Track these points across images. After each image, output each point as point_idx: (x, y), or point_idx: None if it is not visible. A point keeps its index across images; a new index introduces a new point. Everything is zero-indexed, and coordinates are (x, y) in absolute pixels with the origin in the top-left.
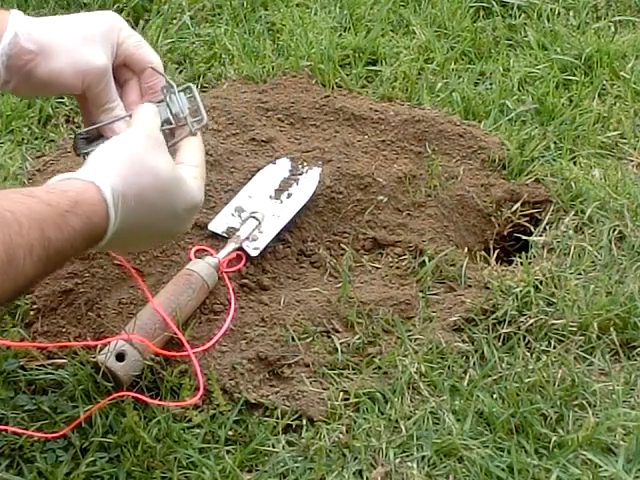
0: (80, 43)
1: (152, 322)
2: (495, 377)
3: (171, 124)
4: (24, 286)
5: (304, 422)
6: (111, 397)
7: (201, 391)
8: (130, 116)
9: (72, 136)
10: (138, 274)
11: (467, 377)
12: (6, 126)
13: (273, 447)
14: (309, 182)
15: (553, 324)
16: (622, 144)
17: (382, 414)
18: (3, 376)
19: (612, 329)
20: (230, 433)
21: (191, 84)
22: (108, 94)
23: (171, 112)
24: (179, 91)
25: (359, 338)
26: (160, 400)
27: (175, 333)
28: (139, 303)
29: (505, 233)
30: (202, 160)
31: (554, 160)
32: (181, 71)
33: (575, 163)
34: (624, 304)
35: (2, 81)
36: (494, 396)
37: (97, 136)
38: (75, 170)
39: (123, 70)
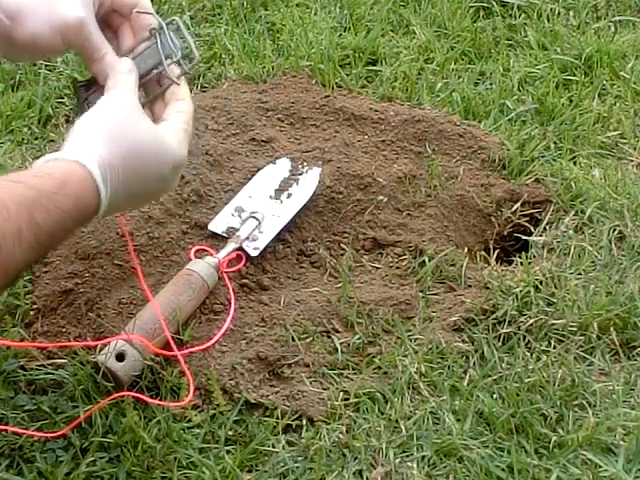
0: (51, 0)
1: (152, 322)
2: (495, 377)
3: (162, 66)
4: (15, 273)
5: (304, 422)
6: (111, 397)
7: (192, 390)
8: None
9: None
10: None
11: (467, 377)
12: (6, 126)
13: (273, 447)
14: (309, 182)
15: (553, 324)
16: (622, 144)
17: (382, 414)
18: (3, 376)
19: (612, 329)
20: (230, 433)
21: (176, 18)
22: (92, 45)
23: (163, 54)
24: (166, 24)
25: (359, 338)
26: (160, 400)
27: (174, 333)
28: (139, 303)
29: (505, 233)
30: (187, 111)
31: (554, 160)
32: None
33: (575, 163)
34: (624, 304)
35: None
36: (494, 396)
37: (95, 83)
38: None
39: (114, 16)
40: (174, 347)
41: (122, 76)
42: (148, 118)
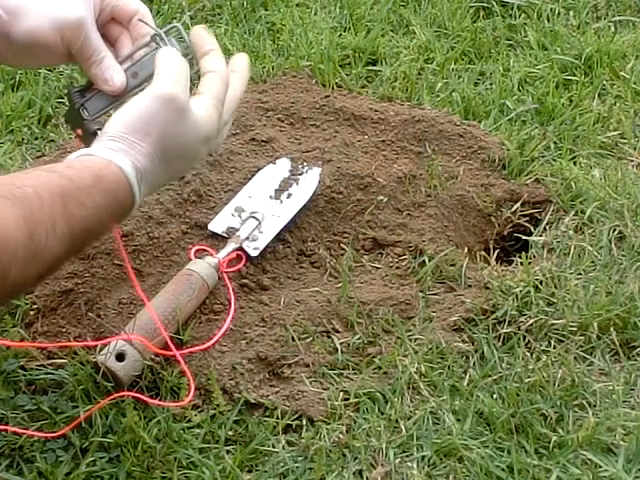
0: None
1: (152, 322)
2: (495, 377)
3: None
4: (49, 265)
5: (304, 422)
6: (111, 397)
7: (192, 390)
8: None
9: (67, 106)
10: (137, 275)
11: (467, 377)
12: (6, 126)
13: (273, 447)
14: (309, 182)
15: (553, 324)
16: (622, 144)
17: (382, 414)
18: (3, 376)
19: (612, 329)
20: (230, 433)
21: (177, 24)
22: (91, 46)
23: None
24: (165, 32)
25: (359, 338)
26: (160, 400)
27: (174, 333)
28: (139, 303)
29: (505, 233)
30: (218, 84)
31: (554, 160)
32: None
33: (575, 163)
34: (624, 304)
35: None
36: (494, 396)
37: (90, 87)
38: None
39: (112, 26)
40: (172, 347)
41: (165, 66)
42: (183, 102)
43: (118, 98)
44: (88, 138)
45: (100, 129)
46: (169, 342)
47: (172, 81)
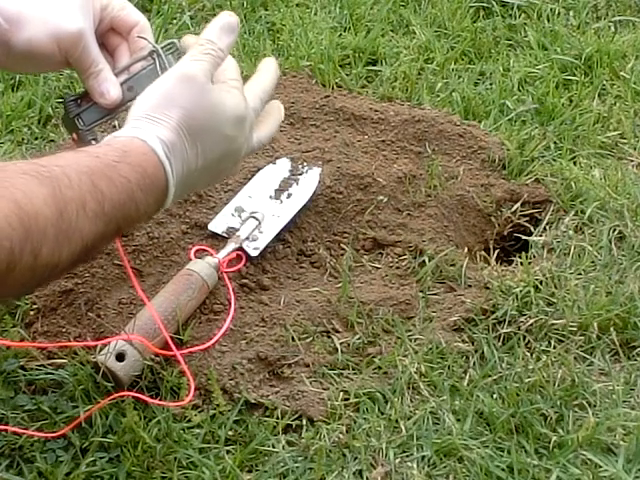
0: (52, 9)
1: (152, 322)
2: (495, 377)
3: None
4: (82, 247)
5: (304, 422)
6: (111, 397)
7: (192, 390)
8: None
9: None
10: (137, 275)
11: (467, 377)
12: (6, 126)
13: (273, 447)
14: (309, 182)
15: (553, 324)
16: (622, 144)
17: (382, 414)
18: (3, 376)
19: (612, 329)
20: (230, 433)
21: (175, 40)
22: (89, 57)
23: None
24: (163, 48)
25: (359, 338)
26: (160, 400)
27: (174, 333)
28: (139, 303)
29: (505, 233)
30: (236, 74)
31: (554, 160)
32: None
33: (575, 163)
34: (624, 304)
35: None
36: (494, 396)
37: (87, 98)
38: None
39: (111, 35)
40: (173, 347)
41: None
42: (206, 84)
43: (113, 111)
44: (84, 143)
45: (95, 139)
46: (170, 342)
47: (193, 60)
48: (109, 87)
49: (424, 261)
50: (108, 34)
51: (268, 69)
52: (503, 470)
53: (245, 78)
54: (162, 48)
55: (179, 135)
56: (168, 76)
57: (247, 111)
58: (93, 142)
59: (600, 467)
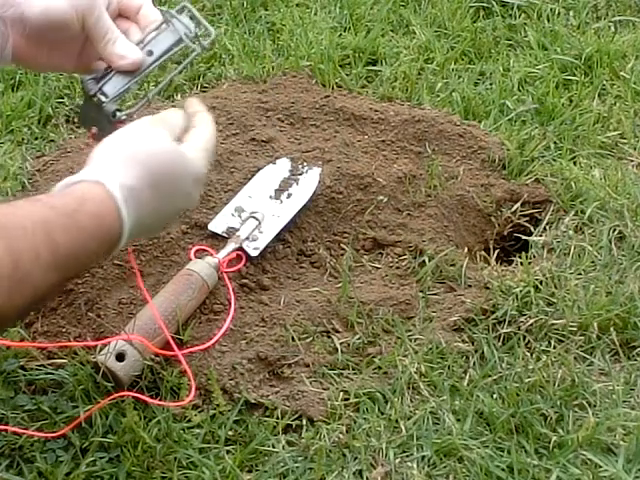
0: None
1: (152, 322)
2: (495, 377)
3: (183, 42)
4: (34, 296)
5: (304, 422)
6: (112, 397)
7: (193, 390)
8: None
9: (76, 108)
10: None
11: (467, 377)
12: (6, 126)
13: (273, 447)
14: (309, 182)
15: (553, 324)
16: (622, 144)
17: (382, 414)
18: (3, 376)
19: (612, 329)
20: (230, 433)
21: (186, 3)
22: (105, 24)
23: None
24: (176, 12)
25: (359, 338)
26: (160, 400)
27: (174, 333)
28: (139, 303)
29: (505, 233)
30: (208, 135)
31: (554, 160)
32: (181, 71)
33: (575, 163)
34: (624, 304)
35: (2, 42)
36: (494, 396)
37: (105, 74)
38: (76, 172)
39: (120, 21)
40: (175, 347)
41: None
42: (168, 137)
43: (136, 75)
44: (105, 130)
45: (120, 110)
46: (171, 341)
47: (157, 117)
48: (129, 49)
49: (424, 261)
50: (116, 20)
51: (206, 122)
52: (503, 470)
53: (245, 77)
54: (175, 12)
55: (140, 187)
56: (132, 125)
57: (205, 175)
58: (118, 113)
59: (600, 467)
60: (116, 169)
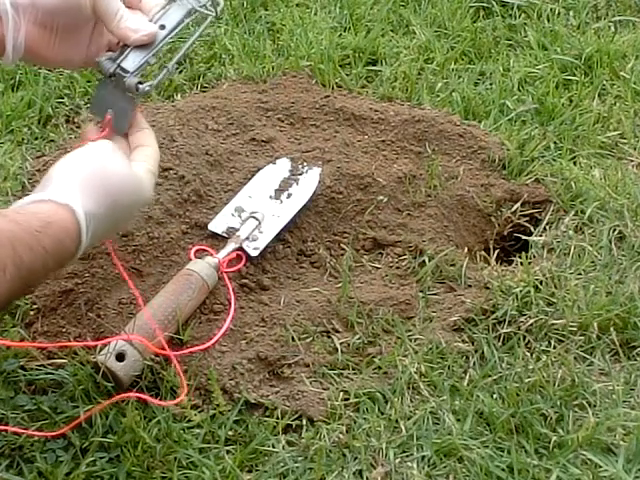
0: None
1: (152, 322)
2: (495, 377)
3: (190, 16)
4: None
5: (304, 422)
6: (115, 398)
7: (185, 390)
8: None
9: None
10: (137, 275)
11: (467, 377)
12: (6, 126)
13: (273, 447)
14: (309, 182)
15: (553, 324)
16: (622, 144)
17: (382, 414)
18: (3, 376)
19: (612, 329)
20: (230, 433)
21: None
22: (117, 2)
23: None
24: None
25: (359, 338)
26: (160, 400)
27: (174, 333)
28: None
29: (505, 233)
30: (153, 156)
31: (554, 160)
32: (181, 71)
33: (575, 163)
34: (624, 304)
35: (15, 31)
36: (494, 396)
37: (120, 52)
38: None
39: None
40: (166, 347)
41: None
42: (126, 161)
43: (152, 49)
44: (124, 112)
45: (141, 82)
46: (163, 342)
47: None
48: (142, 22)
49: (424, 261)
50: None
51: (152, 141)
52: (503, 470)
53: (245, 77)
54: None
55: (102, 213)
56: (91, 147)
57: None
58: (140, 86)
59: (600, 467)
60: (81, 193)
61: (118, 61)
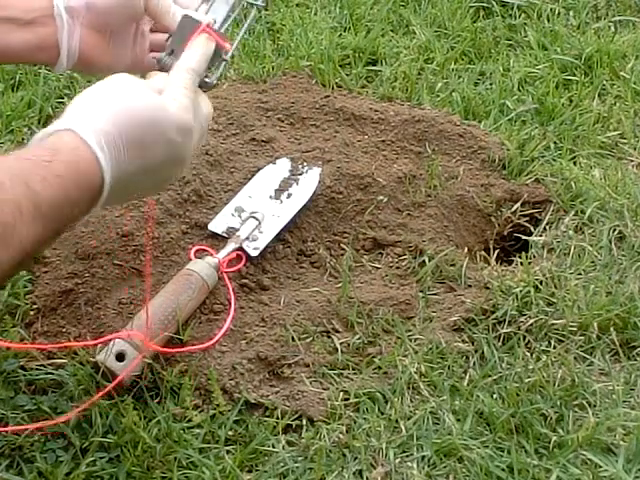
0: None
1: (152, 322)
2: (495, 377)
3: (237, 8)
4: (23, 251)
5: (304, 422)
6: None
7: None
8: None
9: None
10: (137, 275)
11: (467, 377)
12: (6, 126)
13: (273, 447)
14: (309, 182)
15: (553, 324)
16: (622, 144)
17: (382, 414)
18: (3, 376)
19: (612, 329)
20: (230, 433)
21: None
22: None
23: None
24: None
25: (359, 338)
26: (160, 400)
27: (174, 333)
28: (139, 303)
29: (505, 233)
30: (190, 79)
31: (554, 160)
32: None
33: (575, 163)
34: (624, 304)
35: (69, 36)
36: (494, 396)
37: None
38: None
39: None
40: (157, 347)
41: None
42: (146, 88)
43: None
44: None
45: (207, 76)
46: (151, 344)
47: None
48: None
49: (424, 261)
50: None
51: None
52: (503, 470)
53: (245, 77)
54: None
55: (116, 131)
56: (114, 78)
57: (194, 122)
58: (207, 81)
59: (600, 467)
60: (90, 116)
61: (173, 62)
